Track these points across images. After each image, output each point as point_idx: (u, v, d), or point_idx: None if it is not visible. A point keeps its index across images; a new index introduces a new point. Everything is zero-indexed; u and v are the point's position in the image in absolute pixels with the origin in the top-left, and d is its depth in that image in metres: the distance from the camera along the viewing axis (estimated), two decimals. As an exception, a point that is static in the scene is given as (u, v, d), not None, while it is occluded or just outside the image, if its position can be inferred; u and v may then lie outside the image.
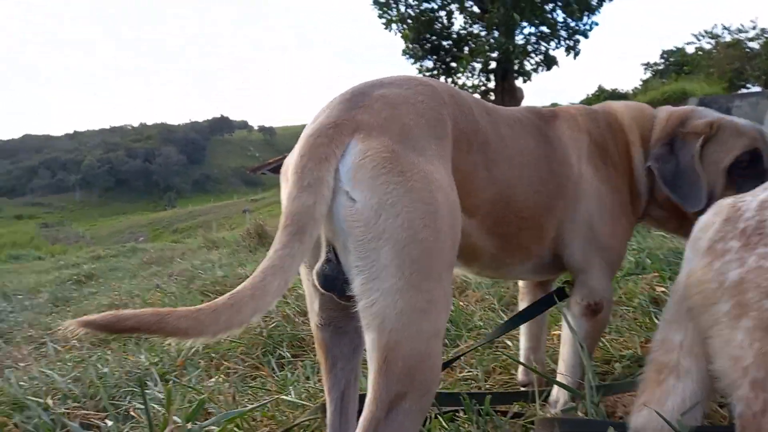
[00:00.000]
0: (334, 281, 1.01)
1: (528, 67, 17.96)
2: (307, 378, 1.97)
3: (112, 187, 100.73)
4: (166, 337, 0.81)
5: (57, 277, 9.13)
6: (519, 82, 18.12)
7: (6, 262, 25.02)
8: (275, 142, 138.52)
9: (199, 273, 6.06)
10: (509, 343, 2.07)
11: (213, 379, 2.14)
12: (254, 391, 1.90)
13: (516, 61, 17.44)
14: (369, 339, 0.93)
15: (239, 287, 0.88)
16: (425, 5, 17.66)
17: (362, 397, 0.98)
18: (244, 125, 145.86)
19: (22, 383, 2.23)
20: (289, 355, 2.41)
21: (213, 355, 2.63)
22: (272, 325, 2.70)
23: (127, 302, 5.05)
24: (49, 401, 1.93)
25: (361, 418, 0.92)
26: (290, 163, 1.03)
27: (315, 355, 2.32)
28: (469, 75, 17.94)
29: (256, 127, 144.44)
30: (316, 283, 1.05)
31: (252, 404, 1.70)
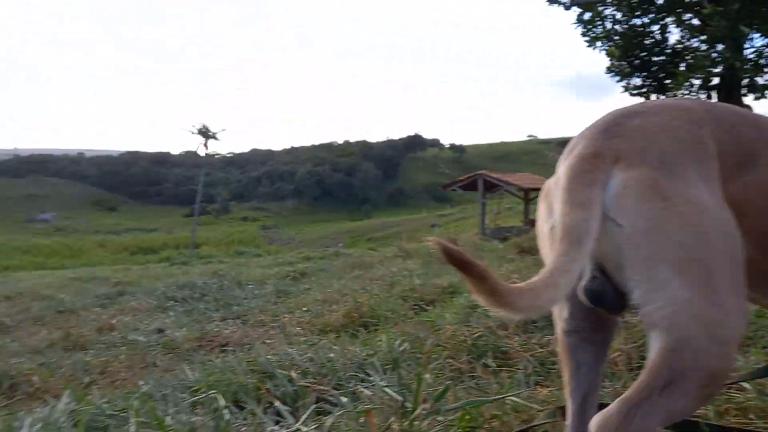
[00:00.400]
0: (602, 296, 1.07)
1: (761, 82, 15.57)
2: (519, 386, 2.02)
3: (319, 197, 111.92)
4: (483, 299, 0.93)
5: (277, 272, 10.49)
6: (748, 99, 15.79)
7: (234, 256, 29.52)
8: (464, 159, 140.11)
9: (398, 279, 6.46)
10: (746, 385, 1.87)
11: (427, 375, 2.29)
12: (470, 391, 2.00)
13: (746, 77, 15.26)
14: (655, 337, 0.97)
15: (533, 280, 0.97)
16: (635, 20, 16.43)
17: (602, 406, 1.01)
18: (435, 143, 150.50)
19: (269, 357, 2.65)
20: (494, 365, 2.47)
21: (419, 355, 2.81)
22: (476, 335, 2.78)
23: (338, 299, 5.61)
24: (293, 374, 2.27)
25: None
26: (553, 186, 1.13)
27: (520, 368, 2.35)
28: (686, 92, 16.19)
29: (447, 145, 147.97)
30: (583, 298, 1.10)
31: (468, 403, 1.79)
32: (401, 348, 2.79)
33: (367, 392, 2.01)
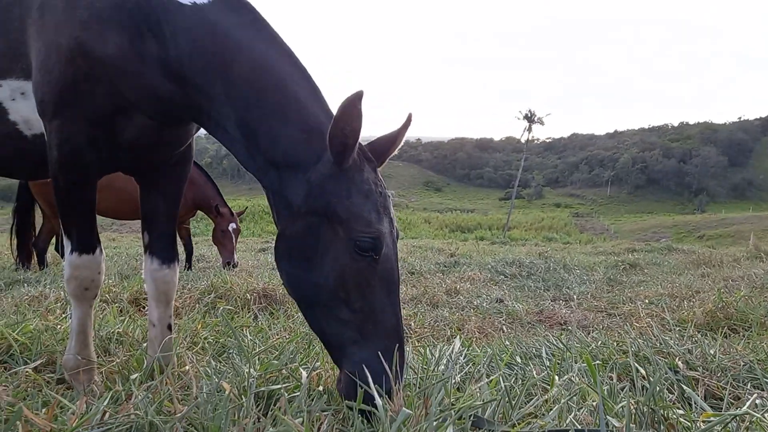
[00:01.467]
0: None
1: None
2: None
3: (642, 185, 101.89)
4: None
5: (604, 260, 10.01)
6: None
7: (543, 241, 29.45)
8: None
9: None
10: None
11: None
12: None
13: None
14: None
15: None
16: None
17: None
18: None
19: (639, 340, 2.55)
20: None
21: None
22: None
23: (689, 296, 5.04)
24: (678, 362, 2.13)
25: None
26: None
27: None
28: None
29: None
30: None
31: None
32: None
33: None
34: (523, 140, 56.11)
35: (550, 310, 5.09)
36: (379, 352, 1.62)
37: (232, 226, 7.64)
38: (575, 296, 6.05)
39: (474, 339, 3.88)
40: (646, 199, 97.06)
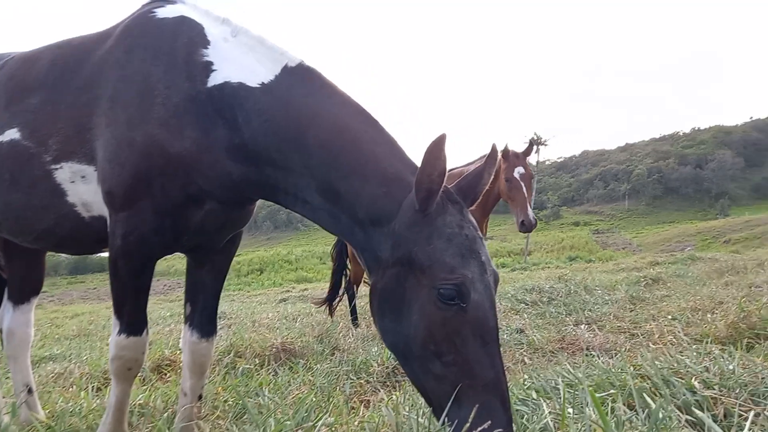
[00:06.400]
0: None
1: None
2: None
3: (660, 195, 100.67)
4: None
5: (625, 277, 9.85)
6: None
7: (565, 262, 28.97)
8: None
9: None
10: None
11: None
12: None
13: None
14: None
15: None
16: None
17: None
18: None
19: (657, 362, 2.52)
20: None
21: None
22: None
23: (712, 307, 4.95)
24: (695, 383, 2.10)
25: None
26: None
27: None
28: None
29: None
30: None
31: None
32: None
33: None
34: (534, 163, 56.24)
35: (572, 336, 5.02)
36: (478, 409, 1.48)
37: None
38: (598, 318, 5.96)
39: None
40: (666, 209, 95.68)
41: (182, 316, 2.31)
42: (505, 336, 5.21)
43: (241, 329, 6.11)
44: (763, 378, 2.24)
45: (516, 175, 5.60)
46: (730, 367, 2.38)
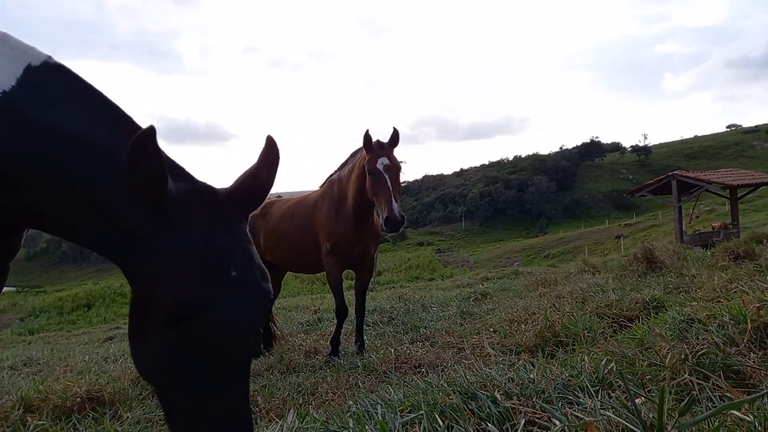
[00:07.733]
0: None
1: None
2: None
3: (491, 216, 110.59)
4: None
5: (458, 294, 10.52)
6: None
7: (410, 281, 30.43)
8: (651, 162, 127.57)
9: (589, 295, 6.04)
10: None
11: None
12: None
13: None
14: None
15: None
16: None
17: None
18: (615, 147, 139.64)
19: (467, 377, 2.64)
20: (725, 386, 2.15)
21: (629, 376, 2.57)
22: (700, 352, 2.46)
23: (526, 318, 5.42)
24: (497, 395, 2.22)
25: None
26: None
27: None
28: None
29: (629, 148, 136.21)
30: None
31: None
32: (607, 368, 2.58)
33: (580, 414, 1.88)
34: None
35: (406, 355, 5.16)
36: None
37: None
38: (431, 335, 6.22)
39: (327, 401, 3.78)
40: (496, 229, 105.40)
41: None
42: (341, 360, 5.19)
43: (47, 377, 5.30)
44: (557, 384, 2.45)
45: (379, 166, 4.89)
46: (531, 376, 2.57)
